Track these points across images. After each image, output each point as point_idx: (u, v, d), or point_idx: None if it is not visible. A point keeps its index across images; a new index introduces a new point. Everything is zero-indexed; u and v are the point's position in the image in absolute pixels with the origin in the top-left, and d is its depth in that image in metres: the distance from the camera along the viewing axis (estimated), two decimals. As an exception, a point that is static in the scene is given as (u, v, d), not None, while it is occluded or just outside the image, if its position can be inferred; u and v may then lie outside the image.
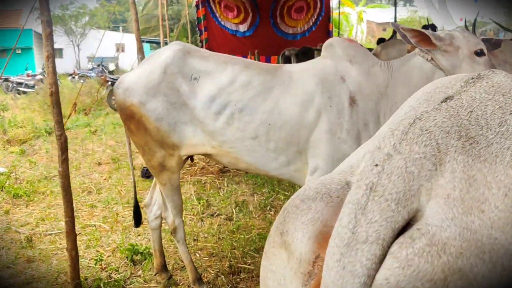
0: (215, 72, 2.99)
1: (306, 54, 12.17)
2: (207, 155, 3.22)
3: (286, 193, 5.70)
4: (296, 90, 2.91)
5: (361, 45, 3.25)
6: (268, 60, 13.92)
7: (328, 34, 15.54)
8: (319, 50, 12.31)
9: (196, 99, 2.97)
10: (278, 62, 15.09)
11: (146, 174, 6.30)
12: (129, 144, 3.63)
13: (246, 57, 14.98)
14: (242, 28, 15.07)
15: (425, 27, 7.57)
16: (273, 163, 2.98)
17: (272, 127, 2.88)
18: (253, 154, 2.97)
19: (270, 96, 2.91)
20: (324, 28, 15.47)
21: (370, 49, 9.17)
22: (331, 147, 2.82)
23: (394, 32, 9.55)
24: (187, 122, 3.01)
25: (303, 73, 3.00)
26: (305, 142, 2.89)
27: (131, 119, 3.06)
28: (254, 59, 13.74)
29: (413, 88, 2.66)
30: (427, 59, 2.85)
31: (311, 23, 15.18)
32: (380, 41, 9.71)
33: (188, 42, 9.12)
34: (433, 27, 7.09)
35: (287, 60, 12.62)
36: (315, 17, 15.13)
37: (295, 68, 3.12)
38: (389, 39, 9.62)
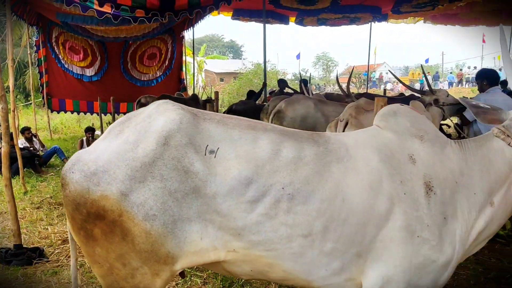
0: (244, 142, 2.15)
1: (164, 102, 11.80)
2: (211, 265, 2.28)
3: None
4: (358, 168, 2.20)
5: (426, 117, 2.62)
6: (117, 107, 13.22)
7: (180, 82, 15.47)
8: (180, 99, 12.08)
9: (216, 182, 2.06)
10: (129, 110, 14.42)
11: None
12: (75, 260, 2.48)
13: (93, 103, 14.05)
14: (89, 72, 14.16)
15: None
16: (321, 271, 2.17)
17: (334, 221, 2.11)
18: (300, 259, 2.14)
19: (330, 177, 2.15)
20: (176, 75, 15.36)
21: (262, 105, 9.19)
22: (408, 250, 2.13)
23: (264, 85, 9.77)
24: (193, 218, 2.07)
25: (361, 146, 2.31)
26: (370, 242, 2.14)
27: (98, 221, 2.07)
28: (100, 106, 12.88)
29: (493, 177, 2.27)
30: (509, 144, 2.31)
31: (163, 70, 14.92)
32: (251, 93, 9.83)
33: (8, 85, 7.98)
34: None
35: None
36: (167, 64, 14.91)
37: (347, 138, 2.39)
38: (259, 92, 9.81)
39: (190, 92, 16.30)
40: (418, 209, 2.14)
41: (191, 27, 13.77)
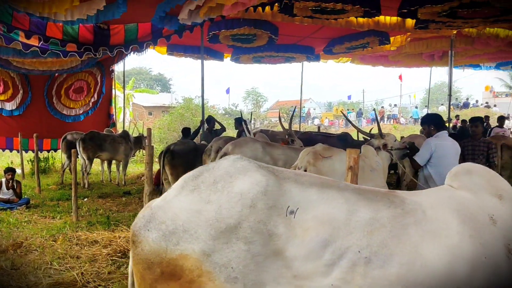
0: (320, 202, 2.09)
1: (93, 139, 11.20)
2: None
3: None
4: (437, 231, 2.11)
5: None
6: (40, 144, 12.35)
7: (109, 117, 14.82)
8: (110, 136, 11.47)
9: (296, 244, 1.99)
10: (53, 147, 13.52)
11: None
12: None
13: (12, 139, 13.05)
14: (9, 106, 13.26)
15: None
16: None
17: (413, 287, 1.99)
18: None
19: (408, 240, 2.05)
20: (105, 110, 14.71)
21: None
22: None
23: (202, 123, 9.48)
24: (268, 282, 1.99)
25: (438, 207, 2.21)
26: None
27: (172, 281, 1.98)
28: (20, 142, 11.95)
29: None
30: None
31: (91, 105, 14.23)
32: (186, 131, 9.49)
33: None
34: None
35: (70, 145, 11.37)
36: (95, 98, 14.25)
37: (421, 198, 2.30)
38: (197, 130, 9.49)
39: (119, 127, 15.64)
40: (498, 274, 2.05)
41: (121, 60, 13.28)
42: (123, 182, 12.08)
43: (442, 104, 39.46)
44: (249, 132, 7.99)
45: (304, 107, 42.25)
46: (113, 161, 12.66)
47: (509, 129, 12.64)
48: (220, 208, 2.02)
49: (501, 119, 11.30)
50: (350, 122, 5.72)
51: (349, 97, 56.99)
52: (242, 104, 55.57)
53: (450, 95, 12.18)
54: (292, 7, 7.79)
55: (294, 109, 11.75)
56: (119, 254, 6.11)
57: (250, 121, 9.22)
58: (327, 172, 3.87)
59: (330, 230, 2.02)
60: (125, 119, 19.01)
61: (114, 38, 6.84)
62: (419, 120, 33.64)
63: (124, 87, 16.08)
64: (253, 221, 2.00)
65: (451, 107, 36.98)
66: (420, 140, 7.39)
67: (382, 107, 38.53)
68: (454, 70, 19.37)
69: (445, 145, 5.04)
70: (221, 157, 5.06)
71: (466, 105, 34.32)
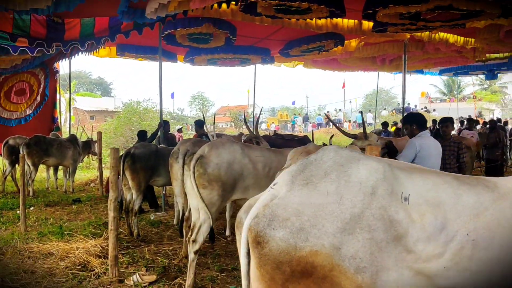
0: (428, 187, 2.16)
1: (39, 143, 10.49)
2: None
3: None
4: None
5: None
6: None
7: (53, 121, 13.98)
8: (56, 140, 10.74)
9: (416, 229, 2.06)
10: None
11: None
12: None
13: None
14: None
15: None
16: None
17: (510, 269, 2.06)
18: None
19: (506, 223, 2.09)
20: (49, 113, 13.86)
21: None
22: None
23: (160, 125, 9.02)
24: (391, 267, 2.02)
25: None
26: None
27: (304, 278, 2.00)
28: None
29: None
30: None
31: (34, 108, 13.35)
32: (142, 134, 9.01)
33: None
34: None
35: (13, 150, 10.57)
36: (38, 100, 13.38)
37: (510, 184, 2.28)
38: (155, 132, 9.04)
39: (63, 131, 14.75)
40: None
41: (65, 59, 12.43)
42: (71, 189, 11.35)
43: (384, 109, 40.73)
44: (212, 136, 7.65)
45: (251, 112, 42.22)
46: (60, 167, 11.91)
47: (479, 131, 12.90)
48: (342, 199, 2.04)
49: (470, 122, 11.54)
50: (334, 123, 5.54)
51: (293, 103, 57.56)
52: (188, 109, 54.77)
53: (404, 98, 12.39)
54: (255, 5, 7.55)
55: (244, 115, 11.43)
56: (79, 267, 5.61)
57: (214, 124, 8.88)
58: None
59: (443, 214, 2.09)
60: (70, 123, 18.01)
61: (69, 33, 6.30)
62: (366, 123, 34.48)
63: (70, 88, 15.24)
64: (375, 208, 2.04)
65: (393, 111, 38.16)
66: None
67: (328, 112, 39.16)
68: (391, 76, 20.02)
69: (429, 145, 4.97)
70: (197, 160, 4.73)
71: (407, 110, 35.47)
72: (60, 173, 12.52)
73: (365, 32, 10.54)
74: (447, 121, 6.53)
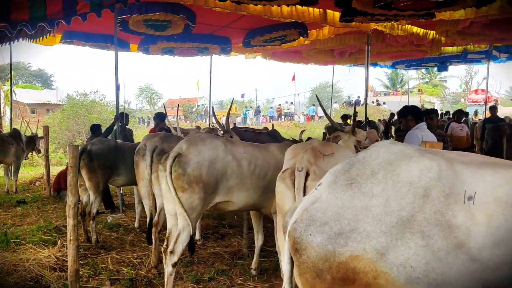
0: (498, 183, 1.82)
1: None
2: None
3: None
4: None
5: None
6: None
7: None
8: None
9: (482, 233, 1.74)
10: None
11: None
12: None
13: None
14: None
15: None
16: None
17: None
18: None
19: None
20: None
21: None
22: None
23: (116, 119, 8.23)
24: (454, 279, 1.75)
25: None
26: None
27: (346, 286, 1.84)
28: None
29: None
30: None
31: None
32: (96, 128, 8.21)
33: None
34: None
35: None
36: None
37: None
38: (111, 126, 8.24)
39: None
40: None
41: (3, 44, 11.25)
42: (14, 189, 10.30)
43: (335, 102, 41.01)
44: (175, 129, 6.99)
45: (203, 104, 41.37)
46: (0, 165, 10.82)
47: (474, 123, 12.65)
48: (388, 201, 1.86)
49: (460, 114, 11.42)
50: (325, 112, 5.04)
51: (242, 96, 57.28)
52: (136, 102, 52.95)
53: (367, 90, 12.18)
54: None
55: (212, 107, 10.94)
56: (31, 283, 4.85)
57: (177, 117, 8.21)
58: (325, 168, 3.16)
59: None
60: (12, 117, 16.61)
61: (17, 13, 5.46)
62: (315, 116, 34.66)
63: (11, 79, 13.95)
64: (428, 212, 1.82)
65: (344, 104, 38.49)
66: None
67: (280, 104, 38.95)
68: (337, 71, 20.02)
69: (429, 137, 4.62)
70: (174, 159, 4.12)
71: (358, 103, 35.84)
72: (0, 171, 11.40)
73: (330, 22, 10.20)
74: (432, 113, 6.24)
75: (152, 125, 30.16)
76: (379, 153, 2.04)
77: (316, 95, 4.68)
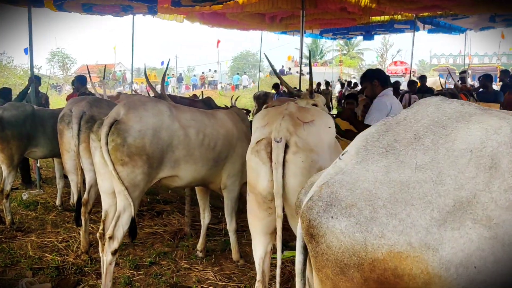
0: None
1: None
2: None
3: None
4: None
5: None
6: None
7: None
8: None
9: None
10: None
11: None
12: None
13: None
14: None
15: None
16: None
17: None
18: None
19: None
20: None
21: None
22: None
23: (31, 81, 7.18)
24: None
25: None
26: None
27: None
28: None
29: None
30: None
31: None
32: (5, 91, 7.12)
33: None
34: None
35: None
36: None
37: None
38: (25, 90, 7.21)
39: None
40: None
41: None
42: None
43: (260, 71, 40.62)
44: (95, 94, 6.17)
45: (120, 71, 39.26)
46: None
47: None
48: (440, 176, 1.34)
49: (413, 84, 11.16)
50: (279, 76, 4.48)
51: (162, 63, 55.57)
52: (47, 67, 49.04)
53: (301, 57, 11.80)
54: None
55: (145, 71, 10.13)
56: None
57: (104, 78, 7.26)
58: (313, 143, 2.65)
59: None
60: None
61: None
62: (240, 86, 34.10)
63: None
64: (497, 190, 1.29)
65: (269, 74, 38.22)
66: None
67: (203, 72, 37.85)
68: (257, 39, 19.63)
69: (396, 104, 4.25)
70: (111, 126, 3.44)
71: (282, 72, 35.78)
72: None
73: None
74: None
75: (66, 91, 27.98)
76: (426, 112, 1.54)
77: (271, 64, 4.02)
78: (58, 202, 6.26)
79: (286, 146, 2.59)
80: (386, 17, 16.26)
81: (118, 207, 3.53)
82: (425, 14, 15.20)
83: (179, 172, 3.78)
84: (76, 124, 4.46)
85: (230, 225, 4.42)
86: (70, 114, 4.55)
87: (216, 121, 4.09)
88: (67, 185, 6.41)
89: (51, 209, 6.17)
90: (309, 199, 1.50)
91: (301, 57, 11.83)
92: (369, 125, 4.04)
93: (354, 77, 35.54)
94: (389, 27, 17.97)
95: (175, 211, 6.06)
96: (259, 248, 2.90)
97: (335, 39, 24.14)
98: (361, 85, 5.07)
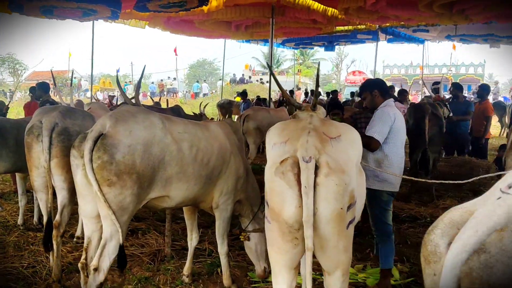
0: None
1: None
2: None
3: None
4: None
5: None
6: None
7: None
8: None
9: None
10: None
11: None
12: None
13: None
14: None
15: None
16: None
17: None
18: None
19: None
20: None
21: None
22: None
23: None
24: None
25: None
26: None
27: None
28: None
29: None
30: None
31: None
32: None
33: None
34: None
35: None
36: None
37: None
38: None
39: None
40: None
41: None
42: None
43: (220, 79, 40.24)
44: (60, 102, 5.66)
45: (75, 78, 37.84)
46: None
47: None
48: None
49: (403, 93, 11.02)
50: (280, 87, 4.16)
51: (118, 70, 54.26)
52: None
53: (271, 64, 11.52)
54: None
55: (117, 76, 9.62)
56: None
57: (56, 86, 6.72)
58: (343, 163, 2.33)
59: None
60: None
61: None
62: (200, 94, 33.51)
63: None
64: None
65: (229, 82, 37.93)
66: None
67: (162, 80, 36.97)
68: (213, 47, 19.37)
69: (400, 115, 4.02)
70: (96, 141, 3.03)
71: (242, 81, 35.54)
72: None
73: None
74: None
75: (17, 99, 26.59)
76: None
77: (270, 69, 3.70)
78: (20, 221, 5.66)
79: (316, 167, 2.25)
80: (350, 27, 16.31)
81: (104, 233, 3.09)
82: (388, 24, 15.35)
83: (170, 192, 3.38)
84: (47, 137, 3.96)
85: (222, 248, 4.03)
86: (40, 125, 4.04)
87: (209, 134, 3.72)
88: (29, 201, 5.85)
89: (11, 229, 5.58)
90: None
91: (271, 65, 11.49)
92: (372, 137, 3.82)
93: (307, 86, 35.81)
94: (351, 37, 18.09)
95: (151, 229, 5.60)
96: (281, 287, 2.47)
97: (297, 48, 24.08)
98: (360, 95, 4.82)
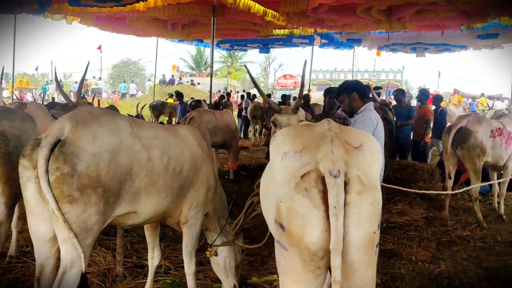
0: None
1: None
2: None
3: None
4: None
5: None
6: None
7: None
8: None
9: None
10: None
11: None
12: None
13: None
14: None
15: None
16: None
17: None
18: None
19: None
20: None
21: None
22: None
23: None
24: None
25: None
26: None
27: None
28: None
29: None
30: None
31: None
32: None
33: None
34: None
35: None
36: None
37: None
38: None
39: None
40: None
41: None
42: None
43: (149, 80, 39.00)
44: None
45: None
46: None
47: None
48: None
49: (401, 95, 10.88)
50: (260, 91, 3.75)
51: (36, 68, 51.44)
52: None
53: (212, 67, 11.11)
54: None
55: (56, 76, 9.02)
56: None
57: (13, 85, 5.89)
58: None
59: None
60: None
61: None
62: (128, 95, 32.18)
63: None
64: None
65: (159, 83, 36.83)
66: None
67: (86, 79, 35.15)
68: (135, 46, 18.79)
69: (380, 120, 3.80)
70: (53, 149, 2.50)
71: (172, 82, 34.62)
72: None
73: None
74: (331, 93, 5.47)
75: None
76: None
77: (246, 66, 3.40)
78: None
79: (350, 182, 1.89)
80: (286, 31, 16.31)
81: (62, 260, 2.55)
82: (324, 30, 15.52)
83: (138, 207, 2.90)
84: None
85: (189, 268, 3.57)
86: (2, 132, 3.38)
87: (180, 139, 3.28)
88: None
89: None
90: None
91: (212, 67, 11.10)
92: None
93: (244, 90, 35.72)
94: (287, 41, 18.11)
95: (97, 245, 5.00)
96: None
97: (231, 50, 23.82)
98: (337, 98, 4.58)
